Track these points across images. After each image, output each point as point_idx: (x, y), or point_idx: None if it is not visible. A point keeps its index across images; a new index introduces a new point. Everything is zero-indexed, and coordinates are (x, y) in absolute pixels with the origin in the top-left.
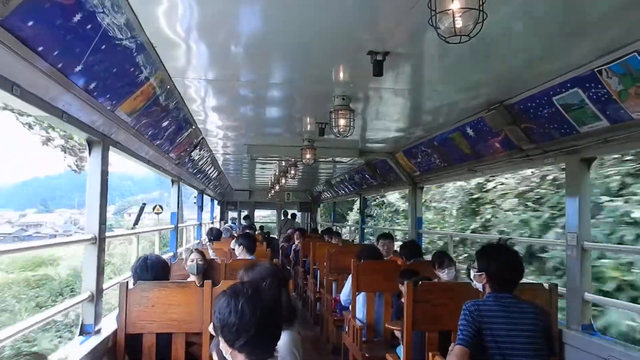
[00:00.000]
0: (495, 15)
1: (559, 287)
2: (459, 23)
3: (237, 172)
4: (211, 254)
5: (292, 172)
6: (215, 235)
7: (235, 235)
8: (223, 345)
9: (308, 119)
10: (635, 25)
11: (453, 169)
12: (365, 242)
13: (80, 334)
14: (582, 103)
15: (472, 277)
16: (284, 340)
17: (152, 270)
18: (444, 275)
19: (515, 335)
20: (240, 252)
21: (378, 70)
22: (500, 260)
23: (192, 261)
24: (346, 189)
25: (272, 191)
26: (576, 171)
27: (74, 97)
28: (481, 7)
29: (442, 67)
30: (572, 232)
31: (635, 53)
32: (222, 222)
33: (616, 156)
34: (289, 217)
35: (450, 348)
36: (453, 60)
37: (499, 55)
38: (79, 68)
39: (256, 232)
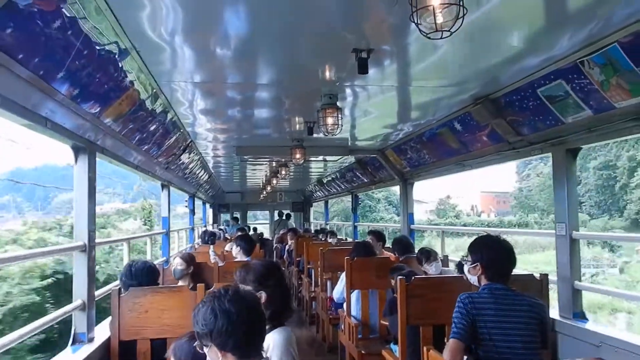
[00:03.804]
0: (476, 10)
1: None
2: (439, 19)
3: (228, 175)
4: (211, 256)
5: (283, 172)
6: (210, 237)
7: (228, 237)
8: (213, 352)
9: (296, 119)
10: (615, 15)
11: (442, 164)
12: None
13: (73, 342)
14: (566, 94)
15: (466, 270)
16: (281, 338)
17: (136, 277)
18: (432, 269)
19: (509, 327)
20: (237, 253)
21: (363, 68)
22: (493, 250)
23: (174, 266)
24: (338, 187)
25: (264, 192)
26: (562, 162)
27: (57, 104)
28: (461, 2)
29: (427, 63)
30: (560, 223)
31: (615, 44)
32: (215, 225)
33: None
34: (284, 217)
35: (446, 342)
36: (437, 56)
37: (483, 50)
38: (61, 74)
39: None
